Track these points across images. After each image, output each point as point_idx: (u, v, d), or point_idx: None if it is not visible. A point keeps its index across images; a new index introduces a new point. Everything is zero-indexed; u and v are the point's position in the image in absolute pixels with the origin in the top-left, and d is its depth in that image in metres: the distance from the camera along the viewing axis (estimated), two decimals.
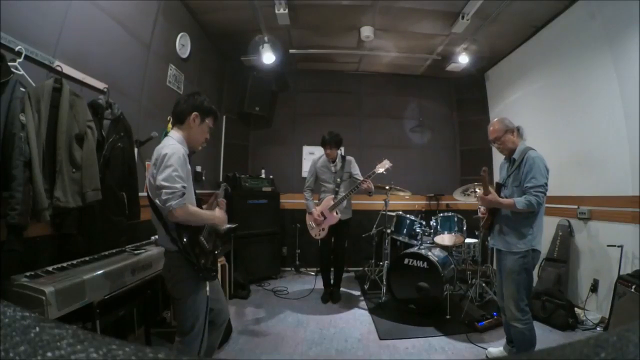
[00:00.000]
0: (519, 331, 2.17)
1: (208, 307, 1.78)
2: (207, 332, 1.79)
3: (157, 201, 1.61)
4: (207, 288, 1.75)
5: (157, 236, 2.44)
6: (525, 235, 2.16)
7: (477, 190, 3.48)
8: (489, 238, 2.48)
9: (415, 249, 3.33)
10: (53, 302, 1.39)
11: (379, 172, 3.29)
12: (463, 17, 3.64)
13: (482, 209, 2.44)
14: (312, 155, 4.58)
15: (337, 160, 3.56)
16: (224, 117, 4.95)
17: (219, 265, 3.04)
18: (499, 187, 2.34)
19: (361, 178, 3.39)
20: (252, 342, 2.69)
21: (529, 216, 2.15)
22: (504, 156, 2.40)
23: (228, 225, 1.92)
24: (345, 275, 4.00)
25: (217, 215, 1.83)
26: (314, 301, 3.65)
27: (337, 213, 3.41)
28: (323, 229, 3.47)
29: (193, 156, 1.87)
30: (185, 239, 1.65)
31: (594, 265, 3.12)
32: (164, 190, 1.54)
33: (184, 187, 1.59)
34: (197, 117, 1.77)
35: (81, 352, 0.23)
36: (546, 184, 2.11)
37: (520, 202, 2.10)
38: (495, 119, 2.38)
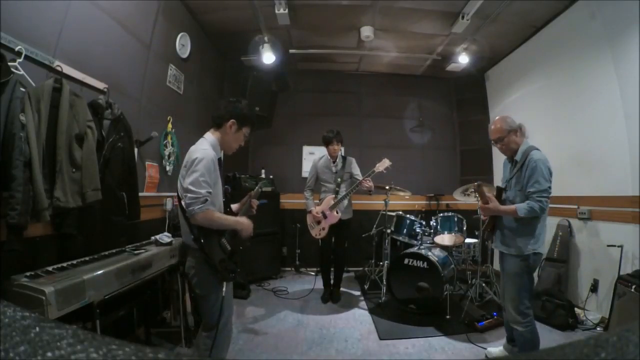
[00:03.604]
0: (519, 333, 2.16)
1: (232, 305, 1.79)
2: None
3: (182, 202, 1.67)
4: (224, 288, 1.76)
5: (157, 236, 2.48)
6: (527, 238, 2.10)
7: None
8: (492, 240, 2.42)
9: (415, 249, 3.33)
10: (53, 302, 1.39)
11: (378, 170, 3.29)
12: (463, 17, 3.65)
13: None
14: (312, 155, 4.58)
15: (337, 161, 3.57)
16: None
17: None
18: (500, 191, 2.23)
19: (361, 178, 3.39)
20: (252, 342, 2.69)
21: (531, 219, 2.08)
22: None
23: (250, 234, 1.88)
24: (345, 275, 4.00)
25: (242, 221, 1.82)
26: (314, 301, 3.65)
27: (337, 212, 3.41)
28: (323, 229, 3.46)
29: None
30: (205, 240, 1.69)
31: (594, 265, 3.12)
32: (188, 195, 1.61)
33: (209, 192, 1.64)
34: (234, 125, 1.82)
35: (81, 352, 0.23)
36: (549, 188, 2.04)
37: (522, 209, 2.03)
38: (497, 117, 2.29)
